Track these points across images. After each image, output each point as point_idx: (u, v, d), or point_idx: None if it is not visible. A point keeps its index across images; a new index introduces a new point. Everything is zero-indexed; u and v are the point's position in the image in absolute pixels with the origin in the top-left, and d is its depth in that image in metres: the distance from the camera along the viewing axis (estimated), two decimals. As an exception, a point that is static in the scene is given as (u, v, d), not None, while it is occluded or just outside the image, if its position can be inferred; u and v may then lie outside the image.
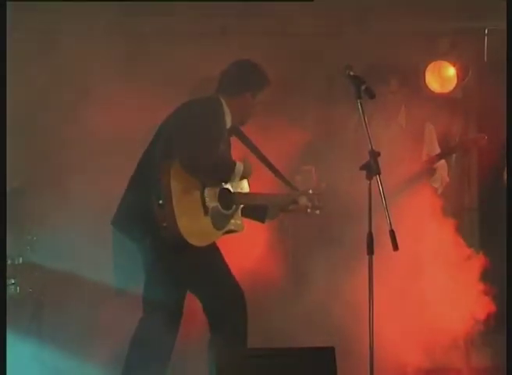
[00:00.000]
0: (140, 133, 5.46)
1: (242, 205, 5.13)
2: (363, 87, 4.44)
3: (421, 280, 5.83)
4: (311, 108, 6.35)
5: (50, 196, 5.96)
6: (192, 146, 4.79)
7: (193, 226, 4.83)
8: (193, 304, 5.06)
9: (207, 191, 4.92)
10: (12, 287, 5.87)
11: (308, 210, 5.11)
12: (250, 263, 5.83)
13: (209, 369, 4.85)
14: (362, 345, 4.43)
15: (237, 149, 5.24)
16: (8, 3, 4.82)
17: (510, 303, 5.08)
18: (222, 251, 5.10)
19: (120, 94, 5.88)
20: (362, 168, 4.42)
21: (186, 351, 5.60)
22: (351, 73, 4.49)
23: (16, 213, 5.42)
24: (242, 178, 5.06)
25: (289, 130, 5.95)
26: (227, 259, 5.10)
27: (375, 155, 4.38)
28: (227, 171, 4.95)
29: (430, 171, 6.07)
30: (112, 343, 5.68)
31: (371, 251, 4.36)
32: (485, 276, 5.94)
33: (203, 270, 4.96)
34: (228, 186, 5.05)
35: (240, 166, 4.97)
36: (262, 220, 5.27)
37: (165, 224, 4.75)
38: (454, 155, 6.43)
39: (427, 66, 6.67)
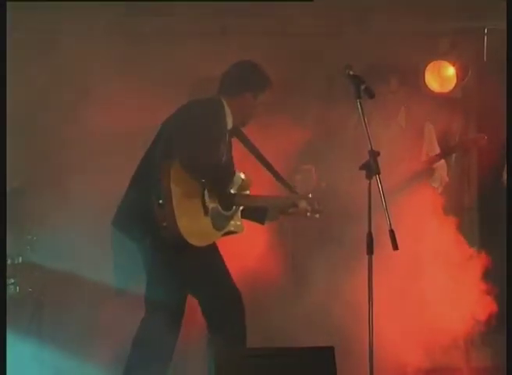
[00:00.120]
0: (140, 133, 5.46)
1: (242, 207, 5.14)
2: (362, 87, 4.44)
3: (421, 279, 5.83)
4: (310, 107, 6.35)
5: (50, 196, 5.97)
6: (192, 146, 4.78)
7: (193, 227, 4.83)
8: (193, 303, 5.06)
9: (207, 192, 4.92)
10: (12, 287, 5.87)
11: (308, 214, 5.10)
12: (250, 263, 5.83)
13: (208, 369, 4.85)
14: (362, 345, 4.43)
15: (238, 151, 5.24)
16: (8, 3, 4.82)
17: (510, 303, 5.08)
18: (223, 252, 5.09)
19: (120, 94, 5.88)
20: (362, 168, 4.42)
21: (187, 351, 5.60)
22: (351, 73, 4.49)
23: (16, 213, 5.42)
24: (240, 190, 5.06)
25: (289, 130, 5.96)
26: (228, 260, 5.10)
27: (374, 154, 4.38)
28: (226, 177, 4.94)
29: (429, 171, 6.08)
30: (111, 343, 5.69)
31: (370, 250, 4.36)
32: (486, 275, 5.94)
33: (202, 270, 4.96)
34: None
35: (239, 177, 4.97)
36: (262, 222, 5.27)
37: (164, 224, 4.74)
38: (454, 155, 6.43)
39: (426, 66, 6.67)
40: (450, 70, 6.66)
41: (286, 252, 6.43)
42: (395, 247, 4.30)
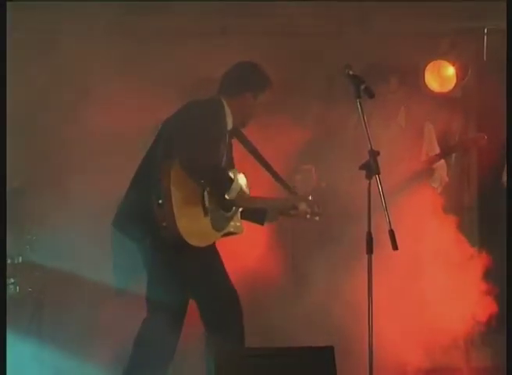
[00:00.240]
0: (140, 133, 5.47)
1: (241, 209, 5.14)
2: (362, 87, 4.44)
3: (421, 279, 5.83)
4: (310, 107, 6.35)
5: (50, 196, 5.97)
6: (191, 147, 4.78)
7: (193, 227, 4.83)
8: (192, 303, 5.06)
9: (207, 193, 4.92)
10: (12, 287, 5.88)
11: (308, 216, 5.10)
12: (250, 263, 5.83)
13: (207, 369, 4.85)
14: (362, 345, 4.42)
15: (238, 151, 5.24)
16: (8, 3, 4.82)
17: (511, 303, 5.07)
18: (223, 253, 5.09)
19: (120, 94, 5.88)
20: (362, 167, 4.42)
21: (186, 351, 5.60)
22: (350, 73, 4.49)
23: (16, 213, 5.42)
24: (240, 194, 5.06)
25: (289, 130, 5.96)
26: (228, 260, 5.10)
27: (374, 154, 4.38)
28: (225, 179, 4.93)
29: (429, 171, 6.07)
30: (112, 343, 5.69)
31: (370, 250, 4.36)
32: (487, 275, 5.94)
33: (201, 271, 4.96)
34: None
35: (237, 184, 4.96)
36: (261, 223, 5.26)
37: (164, 224, 4.74)
38: (454, 155, 6.43)
39: (426, 66, 6.67)
40: (450, 70, 6.66)
41: (285, 252, 6.44)
42: (395, 247, 4.30)
